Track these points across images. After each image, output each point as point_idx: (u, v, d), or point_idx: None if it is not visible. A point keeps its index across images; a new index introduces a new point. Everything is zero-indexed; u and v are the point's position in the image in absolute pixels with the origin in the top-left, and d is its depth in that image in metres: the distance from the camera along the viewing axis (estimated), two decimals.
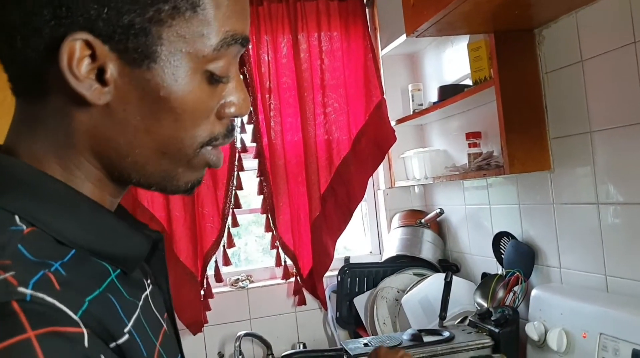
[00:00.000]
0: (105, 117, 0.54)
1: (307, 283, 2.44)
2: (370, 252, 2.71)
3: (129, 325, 0.52)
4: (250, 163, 2.43)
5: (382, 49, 2.55)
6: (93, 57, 0.52)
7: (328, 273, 2.45)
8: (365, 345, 1.66)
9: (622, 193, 1.45)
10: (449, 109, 2.12)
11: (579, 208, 1.62)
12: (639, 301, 1.38)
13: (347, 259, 2.57)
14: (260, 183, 2.42)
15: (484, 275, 2.00)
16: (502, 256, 1.97)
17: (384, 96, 2.48)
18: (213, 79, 0.57)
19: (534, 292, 1.68)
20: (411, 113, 2.40)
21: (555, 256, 1.74)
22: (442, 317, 1.85)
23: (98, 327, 0.47)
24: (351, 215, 2.46)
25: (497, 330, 1.66)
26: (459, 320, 1.94)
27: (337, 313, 2.35)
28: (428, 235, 2.40)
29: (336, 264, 2.49)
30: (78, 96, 0.52)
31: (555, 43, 1.63)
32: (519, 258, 1.85)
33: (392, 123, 2.48)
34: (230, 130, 0.61)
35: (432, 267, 2.33)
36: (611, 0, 1.41)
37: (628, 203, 1.43)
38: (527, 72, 1.69)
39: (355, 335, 2.33)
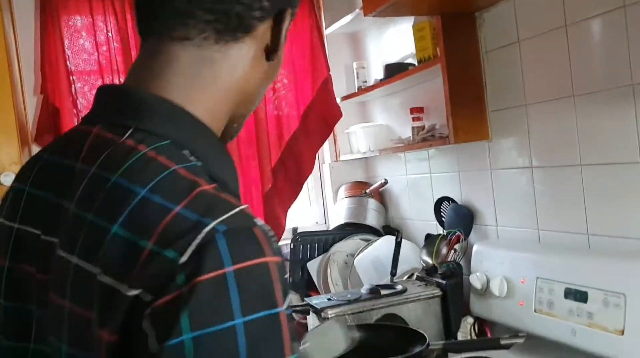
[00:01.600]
0: (262, 70, 0.71)
1: None
2: (317, 222, 2.87)
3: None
4: None
5: (326, 28, 2.69)
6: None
7: (279, 243, 2.59)
8: (329, 299, 1.82)
9: (553, 158, 1.68)
10: (393, 86, 2.29)
11: (514, 172, 1.84)
12: (567, 249, 1.61)
13: (295, 229, 2.72)
14: None
15: (428, 236, 2.21)
16: (443, 219, 2.17)
17: (330, 73, 2.62)
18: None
19: (475, 247, 1.90)
20: (356, 90, 2.56)
21: (492, 216, 1.96)
22: (393, 273, 2.04)
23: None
24: (301, 187, 2.61)
25: (444, 282, 1.86)
26: (406, 276, 2.14)
27: (290, 278, 2.50)
28: (372, 203, 2.59)
29: (284, 234, 2.63)
30: (263, 51, 0.70)
31: (494, 25, 1.84)
32: (459, 220, 2.07)
33: (337, 100, 2.64)
34: None
35: (377, 233, 2.52)
36: None
37: (558, 165, 1.66)
38: (469, 52, 1.89)
39: (306, 297, 2.48)
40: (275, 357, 0.54)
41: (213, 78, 0.67)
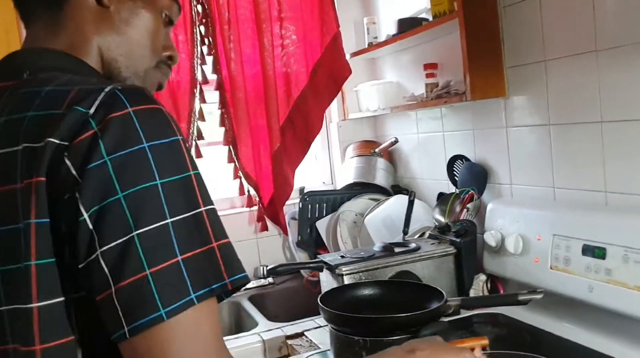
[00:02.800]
0: (108, 19, 0.84)
1: (269, 211, 2.56)
2: (323, 182, 2.86)
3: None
4: (212, 95, 2.48)
5: None
6: None
7: (286, 202, 2.58)
8: (342, 256, 1.82)
9: (572, 115, 1.65)
10: (405, 42, 2.25)
11: (530, 130, 1.81)
12: (584, 206, 1.60)
13: (302, 189, 2.70)
14: (222, 115, 2.49)
15: (440, 194, 2.20)
16: (456, 177, 2.16)
17: (339, 29, 2.57)
18: (168, 22, 0.92)
19: (490, 205, 1.89)
20: (366, 46, 2.51)
21: (507, 174, 1.95)
22: (405, 232, 2.03)
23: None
24: (309, 146, 2.58)
25: (457, 240, 1.86)
26: (418, 235, 2.13)
27: (299, 237, 2.50)
28: (381, 163, 2.57)
29: (292, 194, 2.62)
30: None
31: None
32: (473, 178, 2.05)
33: (347, 56, 2.59)
34: (169, 66, 0.94)
35: (386, 192, 2.51)
36: None
37: (577, 122, 1.63)
38: (486, 6, 1.84)
39: (315, 256, 2.49)
40: (178, 171, 0.67)
41: (69, 41, 0.83)
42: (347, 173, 2.63)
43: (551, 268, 1.59)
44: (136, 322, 0.62)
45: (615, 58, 1.49)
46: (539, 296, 1.37)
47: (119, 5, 0.85)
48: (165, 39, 0.92)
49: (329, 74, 2.58)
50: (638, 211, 1.44)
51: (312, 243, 2.51)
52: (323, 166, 2.88)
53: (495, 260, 1.80)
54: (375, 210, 2.30)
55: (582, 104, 1.61)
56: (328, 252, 2.40)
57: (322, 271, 1.84)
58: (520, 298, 1.39)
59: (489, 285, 1.88)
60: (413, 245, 1.87)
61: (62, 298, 0.66)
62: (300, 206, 2.51)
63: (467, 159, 2.11)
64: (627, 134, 1.49)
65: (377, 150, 2.58)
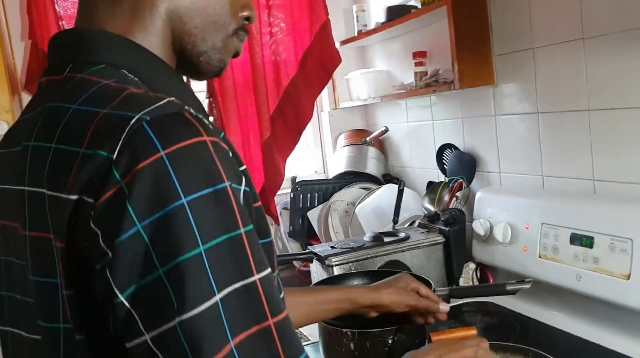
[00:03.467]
0: None
1: (260, 201, 2.55)
2: (315, 171, 2.85)
3: (244, 166, 0.65)
4: (199, 84, 2.46)
5: None
6: None
7: (277, 192, 2.57)
8: (332, 247, 1.82)
9: (560, 103, 1.65)
10: (394, 30, 2.23)
11: (519, 118, 1.81)
12: (573, 195, 1.60)
13: (294, 178, 2.70)
14: (210, 104, 2.47)
15: (430, 183, 2.19)
16: (445, 166, 2.16)
17: (328, 17, 2.55)
18: None
19: (478, 194, 1.89)
20: (356, 34, 2.49)
21: (496, 163, 1.94)
22: (395, 221, 2.03)
23: (232, 151, 0.62)
24: (300, 135, 2.57)
25: (447, 229, 1.86)
26: (408, 224, 2.13)
27: (290, 227, 2.50)
28: (372, 151, 2.57)
29: (283, 184, 2.61)
30: None
31: None
32: (462, 166, 2.05)
33: (336, 44, 2.57)
34: (247, 29, 0.79)
35: (377, 181, 2.51)
36: None
37: (566, 110, 1.63)
38: None
39: (307, 245, 2.49)
40: (226, 230, 0.55)
41: (132, 5, 0.69)
42: (338, 161, 2.63)
43: (540, 256, 1.59)
44: None
45: (602, 46, 1.48)
46: (527, 286, 1.37)
47: None
48: None
49: (319, 62, 2.56)
50: (624, 200, 1.44)
51: (304, 233, 2.51)
52: (315, 155, 2.87)
53: (484, 249, 1.81)
54: (366, 200, 2.30)
55: (570, 92, 1.61)
56: (320, 242, 2.40)
57: (312, 262, 1.84)
58: (509, 288, 1.39)
59: (478, 274, 1.89)
60: (402, 234, 1.87)
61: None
62: (292, 196, 2.51)
63: (456, 148, 2.11)
64: (614, 122, 1.49)
65: (368, 139, 2.57)
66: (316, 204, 2.50)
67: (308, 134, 2.82)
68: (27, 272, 0.64)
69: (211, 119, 2.47)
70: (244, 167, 0.63)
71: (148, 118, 0.55)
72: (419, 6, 2.04)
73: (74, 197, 0.55)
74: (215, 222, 0.54)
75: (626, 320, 1.37)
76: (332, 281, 1.61)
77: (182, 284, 0.53)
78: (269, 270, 0.58)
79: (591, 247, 1.43)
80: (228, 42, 0.76)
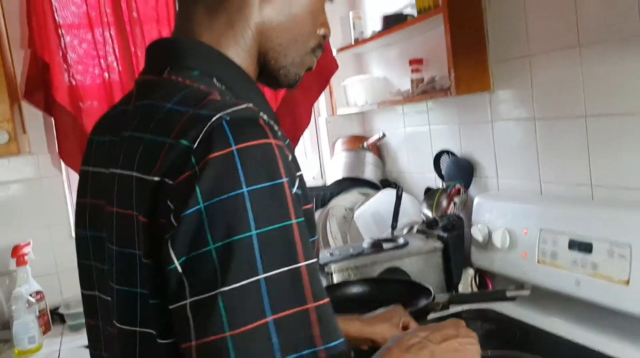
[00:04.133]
0: (270, 10, 0.79)
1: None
2: (313, 177, 2.86)
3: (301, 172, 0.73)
4: None
5: None
6: None
7: None
8: (331, 254, 1.82)
9: (557, 109, 1.66)
10: (390, 37, 2.24)
11: (516, 124, 1.82)
12: (571, 200, 1.61)
13: None
14: None
15: (428, 189, 2.20)
16: (443, 172, 2.17)
17: None
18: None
19: (476, 199, 1.89)
20: (352, 42, 2.50)
21: (493, 168, 1.95)
22: (394, 226, 2.04)
23: (293, 157, 0.71)
24: (297, 141, 2.58)
25: (445, 235, 1.87)
26: (406, 230, 2.14)
27: None
28: (370, 157, 2.57)
29: None
30: None
31: None
32: (459, 172, 2.06)
33: (333, 52, 2.58)
34: (322, 47, 0.87)
35: (375, 187, 2.51)
36: None
37: (562, 116, 1.64)
38: (471, 1, 1.84)
39: None
40: (280, 220, 0.61)
41: (228, 20, 0.78)
42: (336, 167, 2.64)
43: (538, 262, 1.60)
44: None
45: (598, 53, 1.50)
46: (526, 293, 1.38)
47: None
48: (322, 14, 0.85)
49: (316, 69, 2.55)
50: (623, 206, 1.45)
51: None
52: (312, 161, 2.87)
53: (483, 255, 1.81)
54: (364, 205, 2.31)
55: (566, 98, 1.62)
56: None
57: None
58: (508, 294, 1.41)
59: (477, 280, 1.89)
60: (401, 241, 1.88)
61: (138, 328, 0.69)
62: None
63: (453, 154, 2.12)
64: (611, 128, 1.50)
65: (365, 145, 2.58)
66: (314, 210, 2.50)
67: (305, 140, 2.83)
68: (109, 243, 0.73)
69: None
70: (300, 173, 0.71)
71: (228, 118, 0.63)
72: (415, 14, 2.05)
73: (157, 178, 0.64)
74: (270, 211, 0.61)
75: (626, 325, 1.38)
76: (331, 289, 1.62)
77: (230, 261, 0.59)
78: (315, 259, 0.64)
79: (590, 253, 1.44)
80: (305, 58, 0.85)
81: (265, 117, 0.67)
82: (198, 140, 0.62)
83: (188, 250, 0.60)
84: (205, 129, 0.63)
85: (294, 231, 0.62)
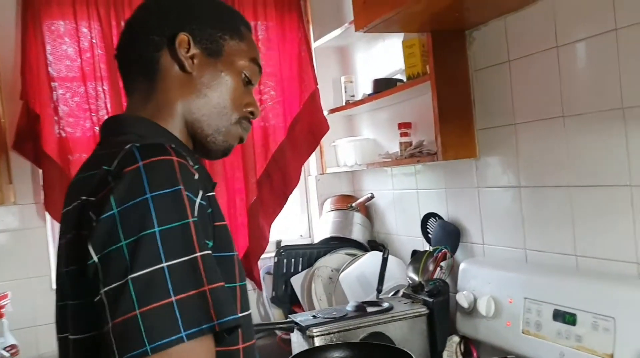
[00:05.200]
0: (190, 84, 0.95)
1: (243, 265, 2.53)
2: (301, 235, 2.84)
3: (213, 193, 0.86)
4: None
5: (314, 41, 2.68)
6: (188, 49, 0.95)
7: (262, 256, 2.56)
8: (314, 316, 1.79)
9: (542, 178, 1.67)
10: (381, 101, 2.28)
11: (501, 191, 1.83)
12: (555, 270, 1.61)
13: (279, 242, 2.68)
14: None
15: (414, 252, 2.19)
16: (430, 235, 2.16)
17: (317, 87, 2.60)
18: (247, 83, 1.00)
19: (462, 265, 1.89)
20: (344, 104, 2.54)
21: (479, 234, 1.95)
22: (379, 290, 2.01)
23: (202, 179, 0.82)
24: (286, 199, 2.58)
25: (430, 300, 1.85)
26: (392, 293, 2.12)
27: (273, 292, 2.47)
28: (358, 217, 2.57)
29: (268, 248, 2.59)
30: (177, 66, 0.94)
31: (485, 44, 1.83)
32: (446, 236, 2.05)
33: (325, 113, 2.62)
34: (249, 120, 1.01)
35: (362, 247, 2.50)
36: (537, 7, 1.62)
37: (547, 186, 1.65)
38: (458, 70, 1.89)
39: (290, 313, 2.45)
40: (178, 218, 0.74)
41: (156, 105, 0.95)
42: (324, 227, 2.63)
43: (523, 332, 1.58)
44: (125, 354, 0.69)
45: (582, 124, 1.52)
46: None
47: (200, 71, 0.95)
48: (246, 96, 0.99)
49: (308, 129, 2.60)
50: (607, 278, 1.45)
51: (287, 299, 2.48)
52: (301, 219, 2.87)
53: (468, 322, 1.79)
54: (350, 267, 2.29)
55: (551, 168, 1.64)
56: (303, 309, 2.37)
57: (293, 331, 1.81)
58: None
59: (462, 348, 1.86)
60: (386, 305, 1.85)
61: (89, 334, 0.79)
62: (276, 260, 2.49)
63: (440, 218, 2.12)
64: (594, 199, 1.51)
65: (354, 205, 2.58)
66: (300, 270, 2.48)
67: (295, 198, 2.83)
68: (60, 269, 0.88)
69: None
70: (211, 194, 0.85)
71: (138, 145, 0.78)
72: (405, 80, 2.09)
73: (84, 198, 0.80)
74: (170, 212, 0.74)
75: None
76: (312, 352, 1.58)
77: (138, 252, 0.71)
78: (209, 251, 0.76)
79: (574, 324, 1.42)
80: (231, 128, 0.97)
81: (173, 146, 0.80)
82: (115, 164, 0.78)
83: (103, 246, 0.73)
84: (120, 155, 0.78)
85: (190, 227, 0.75)
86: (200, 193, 0.79)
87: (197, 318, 0.71)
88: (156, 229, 0.72)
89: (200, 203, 0.78)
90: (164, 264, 0.71)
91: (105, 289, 0.72)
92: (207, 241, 0.79)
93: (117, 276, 0.71)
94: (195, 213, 0.77)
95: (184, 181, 0.76)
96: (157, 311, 0.70)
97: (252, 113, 1.00)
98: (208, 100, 0.95)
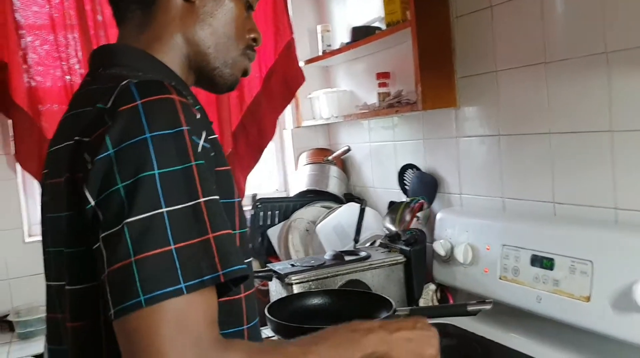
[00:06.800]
0: (193, 14, 0.90)
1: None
2: (277, 189, 2.82)
3: (216, 136, 0.82)
4: None
5: None
6: None
7: None
8: (292, 265, 1.79)
9: (522, 126, 1.67)
10: (358, 50, 2.24)
11: (481, 140, 1.82)
12: (533, 217, 1.62)
13: (254, 196, 2.66)
14: None
15: (391, 203, 2.19)
16: (407, 187, 2.16)
17: (293, 36, 2.55)
18: (248, 7, 0.96)
19: (439, 215, 1.89)
20: (320, 54, 2.50)
21: (457, 184, 1.95)
22: (356, 240, 2.02)
23: (203, 120, 0.79)
24: (262, 152, 2.55)
25: (407, 249, 1.85)
26: (369, 243, 2.12)
27: (250, 245, 2.45)
28: (334, 171, 2.55)
29: (244, 201, 2.57)
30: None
31: None
32: (423, 187, 2.05)
33: (300, 64, 2.57)
34: (254, 49, 0.99)
35: (339, 200, 2.49)
36: None
37: (527, 133, 1.65)
38: (439, 16, 1.85)
39: (265, 264, 2.45)
40: (180, 162, 0.69)
41: (154, 34, 0.89)
42: (300, 180, 2.61)
43: (500, 278, 1.59)
44: (118, 305, 0.65)
45: (564, 70, 1.51)
46: (488, 307, 1.37)
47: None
48: (248, 23, 0.96)
49: (283, 80, 2.55)
50: (584, 223, 1.46)
51: (264, 251, 2.47)
52: (276, 173, 2.84)
53: (445, 270, 1.80)
54: (327, 218, 2.28)
55: (531, 115, 1.63)
56: (279, 261, 2.36)
57: (271, 280, 1.80)
58: (469, 308, 1.39)
59: (438, 295, 1.88)
60: (363, 254, 1.85)
61: (89, 284, 0.74)
62: (252, 213, 2.47)
63: (417, 169, 2.11)
64: (574, 145, 1.51)
65: (330, 158, 2.56)
66: (276, 223, 2.47)
67: (270, 151, 2.80)
68: (46, 213, 0.84)
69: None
70: (214, 136, 0.80)
71: (135, 81, 0.73)
72: (384, 27, 2.05)
73: (77, 138, 0.74)
74: (171, 153, 0.69)
75: (586, 342, 1.37)
76: (291, 299, 1.58)
77: (135, 196, 0.66)
78: (215, 196, 0.71)
79: (551, 269, 1.44)
80: (238, 59, 0.94)
81: (173, 83, 0.75)
82: (110, 102, 0.72)
83: (100, 190, 0.69)
84: (116, 92, 0.73)
85: (193, 171, 0.70)
86: (204, 134, 0.74)
87: (198, 269, 0.66)
88: (156, 171, 0.67)
89: (203, 146, 0.73)
90: (164, 209, 0.66)
91: (103, 235, 0.68)
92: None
93: (113, 221, 0.67)
94: (200, 156, 0.71)
95: (187, 122, 0.71)
96: (154, 260, 0.65)
97: (254, 40, 0.97)
98: (213, 30, 0.90)
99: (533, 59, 1.59)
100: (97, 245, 0.68)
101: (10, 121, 2.23)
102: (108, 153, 0.68)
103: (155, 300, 0.64)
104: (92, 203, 0.69)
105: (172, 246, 0.65)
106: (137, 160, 0.67)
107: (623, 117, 1.38)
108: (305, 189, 2.54)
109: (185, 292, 0.65)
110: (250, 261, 0.85)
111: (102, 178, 0.68)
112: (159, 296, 0.64)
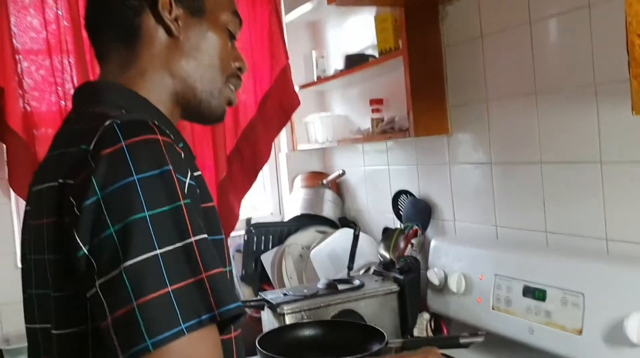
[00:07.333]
0: (178, 48, 0.89)
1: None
2: (271, 213, 2.82)
3: (199, 173, 0.81)
4: None
5: (285, 15, 2.62)
6: (170, 11, 0.88)
7: (231, 234, 2.53)
8: (285, 294, 1.78)
9: (513, 154, 1.67)
10: (353, 77, 2.25)
11: (473, 168, 1.83)
12: (526, 246, 1.61)
13: (249, 220, 2.65)
14: None
15: (385, 229, 2.18)
16: (401, 212, 2.16)
17: (289, 61, 2.56)
18: (231, 37, 0.95)
19: (433, 242, 1.88)
20: (315, 79, 2.50)
21: (450, 211, 1.95)
22: (350, 267, 2.01)
23: (187, 158, 0.77)
24: (256, 175, 2.55)
25: (401, 277, 1.84)
26: (363, 270, 2.11)
27: (243, 270, 2.44)
28: (329, 194, 2.55)
29: (238, 225, 2.56)
30: (162, 30, 0.88)
31: (457, 19, 1.81)
32: (417, 213, 2.05)
33: (296, 88, 2.58)
34: (239, 77, 0.98)
35: (333, 224, 2.49)
36: None
37: (518, 162, 1.65)
38: (431, 45, 1.86)
39: (260, 291, 2.43)
40: (169, 202, 0.69)
41: (139, 71, 0.88)
42: (295, 204, 2.61)
43: (493, 308, 1.58)
44: (127, 351, 0.65)
45: (554, 101, 1.52)
46: (480, 339, 1.36)
47: (187, 33, 0.89)
48: (232, 52, 0.95)
49: (279, 104, 2.56)
50: (576, 254, 1.45)
51: (257, 277, 2.46)
52: (271, 196, 2.84)
53: (439, 299, 1.79)
54: (321, 244, 2.27)
55: (522, 144, 1.63)
56: (273, 287, 2.35)
57: (263, 309, 1.79)
58: (462, 340, 1.38)
59: (432, 324, 1.87)
60: (357, 282, 1.85)
61: (74, 329, 0.74)
62: (246, 238, 2.46)
63: (411, 194, 2.11)
64: (565, 175, 1.51)
65: (325, 181, 2.56)
66: (270, 247, 2.46)
67: (265, 175, 2.80)
68: (29, 255, 0.82)
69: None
70: (198, 173, 0.80)
71: (118, 121, 0.72)
72: (377, 55, 2.06)
73: (61, 181, 0.73)
74: (159, 194, 0.69)
75: None
76: (283, 330, 1.57)
77: (129, 239, 0.66)
78: (204, 235, 0.71)
79: (544, 300, 1.43)
80: (223, 90, 0.94)
81: (156, 122, 0.75)
82: (93, 143, 0.71)
83: (92, 235, 0.68)
84: (99, 133, 0.72)
85: (183, 210, 0.69)
86: (189, 172, 0.74)
87: (195, 309, 0.66)
88: (146, 213, 0.67)
89: (189, 184, 0.73)
90: (158, 251, 0.66)
91: (100, 281, 0.67)
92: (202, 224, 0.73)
93: (109, 267, 0.66)
94: (186, 195, 0.71)
95: (172, 161, 0.71)
96: (154, 303, 0.65)
97: (240, 69, 0.97)
98: (198, 63, 0.89)
99: (523, 89, 1.60)
100: (92, 292, 0.68)
101: (4, 146, 2.23)
102: (96, 197, 0.68)
103: (161, 343, 0.65)
104: (85, 249, 0.68)
105: (169, 288, 0.66)
106: (126, 203, 0.67)
107: (612, 148, 1.38)
108: (299, 213, 2.53)
109: (185, 333, 0.65)
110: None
111: (92, 223, 0.68)
112: (164, 340, 0.65)
